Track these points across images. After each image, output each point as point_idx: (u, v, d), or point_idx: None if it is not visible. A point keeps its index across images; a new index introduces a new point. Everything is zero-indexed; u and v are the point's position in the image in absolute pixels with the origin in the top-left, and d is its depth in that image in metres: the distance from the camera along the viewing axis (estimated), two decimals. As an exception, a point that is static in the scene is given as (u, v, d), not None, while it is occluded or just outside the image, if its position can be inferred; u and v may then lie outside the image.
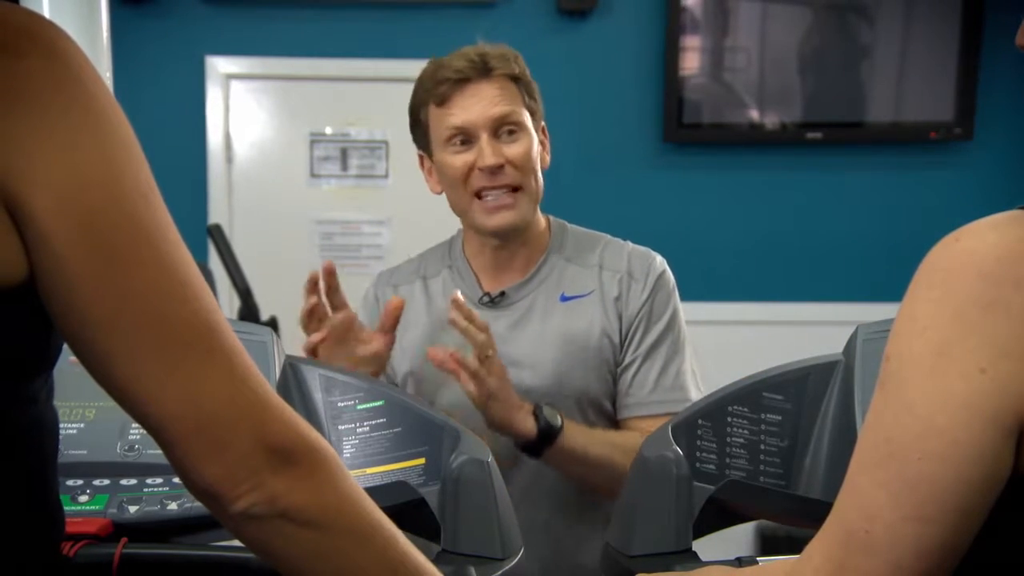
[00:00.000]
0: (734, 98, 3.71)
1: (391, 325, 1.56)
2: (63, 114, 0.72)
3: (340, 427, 1.27)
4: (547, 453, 1.53)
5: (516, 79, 1.61)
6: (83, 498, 1.15)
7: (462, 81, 1.59)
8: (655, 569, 1.11)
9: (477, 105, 1.58)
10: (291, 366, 1.28)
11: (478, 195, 1.61)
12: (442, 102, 1.61)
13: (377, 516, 0.85)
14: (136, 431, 1.21)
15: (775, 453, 1.23)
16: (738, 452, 1.22)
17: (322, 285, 1.52)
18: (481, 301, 1.67)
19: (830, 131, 3.69)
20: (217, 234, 3.15)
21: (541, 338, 1.64)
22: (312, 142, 3.78)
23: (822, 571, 0.82)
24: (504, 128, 1.59)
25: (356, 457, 1.25)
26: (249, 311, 3.06)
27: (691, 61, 3.68)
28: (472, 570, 1.11)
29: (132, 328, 0.74)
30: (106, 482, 1.17)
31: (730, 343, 3.26)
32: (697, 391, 1.63)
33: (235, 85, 3.74)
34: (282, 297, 3.44)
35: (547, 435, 1.51)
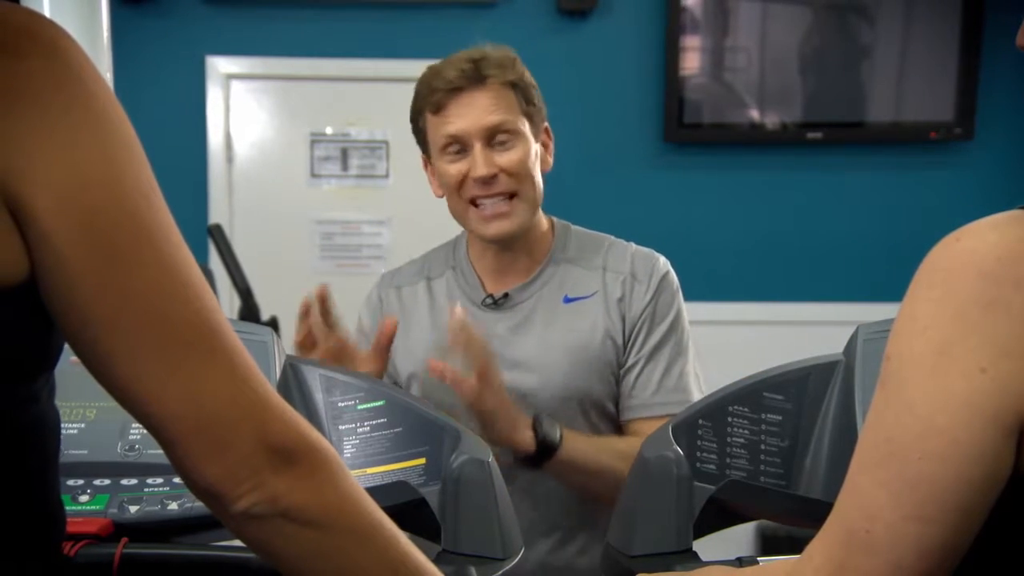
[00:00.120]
0: (734, 98, 3.71)
1: (385, 346, 1.56)
2: (64, 113, 0.72)
3: (341, 427, 1.27)
4: (546, 466, 1.53)
5: (513, 85, 1.60)
6: (84, 498, 1.15)
7: (455, 90, 1.58)
8: (656, 569, 1.11)
9: (470, 114, 1.58)
10: (291, 366, 1.28)
11: (474, 203, 1.61)
12: (437, 110, 1.60)
13: (378, 516, 0.85)
14: (137, 431, 1.21)
15: (776, 453, 1.23)
16: (739, 452, 1.22)
17: (315, 310, 1.51)
18: (484, 303, 1.67)
19: (830, 131, 3.69)
20: (217, 234, 3.15)
21: (544, 340, 1.63)
22: (312, 142, 3.78)
23: (823, 571, 0.82)
24: (498, 136, 1.59)
25: (357, 457, 1.25)
26: (249, 311, 3.06)
27: (691, 61, 3.68)
28: (473, 570, 1.11)
29: (133, 328, 0.74)
30: (107, 482, 1.17)
31: (730, 343, 3.26)
32: (700, 393, 1.63)
33: (235, 85, 3.74)
34: (282, 297, 3.44)
35: (546, 449, 1.51)
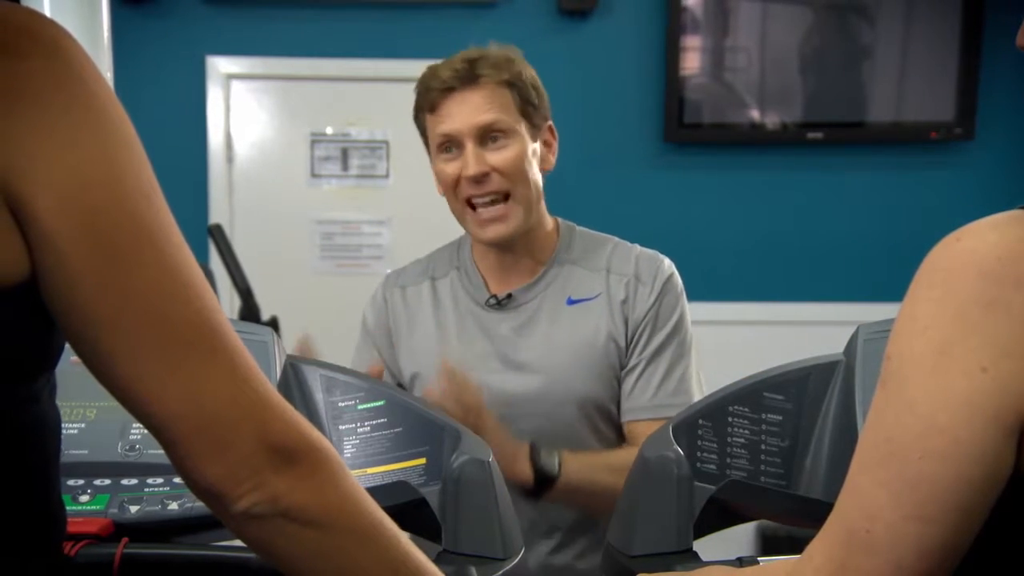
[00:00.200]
0: (735, 98, 3.71)
1: None
2: (65, 113, 0.72)
3: (341, 427, 1.27)
4: (546, 496, 1.53)
5: (509, 84, 1.60)
6: (84, 498, 1.15)
7: (448, 90, 1.59)
8: (656, 569, 1.11)
9: (461, 114, 1.58)
10: (292, 366, 1.28)
11: (470, 204, 1.61)
12: (432, 109, 1.61)
13: (378, 516, 0.85)
14: (137, 431, 1.21)
15: (776, 453, 1.23)
16: (739, 452, 1.22)
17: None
18: (488, 303, 1.67)
19: (831, 131, 3.69)
20: (218, 234, 3.15)
21: (547, 342, 1.63)
22: (313, 142, 3.78)
23: (823, 571, 0.82)
24: (491, 135, 1.59)
25: (357, 457, 1.25)
26: (250, 311, 3.06)
27: (692, 61, 3.68)
28: (473, 570, 1.11)
29: (134, 327, 0.74)
30: (107, 482, 1.17)
31: (731, 343, 3.26)
32: (701, 396, 1.62)
33: (236, 85, 3.74)
34: (283, 297, 3.46)
35: (544, 480, 1.51)
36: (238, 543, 0.89)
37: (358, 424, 1.27)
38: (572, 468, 1.53)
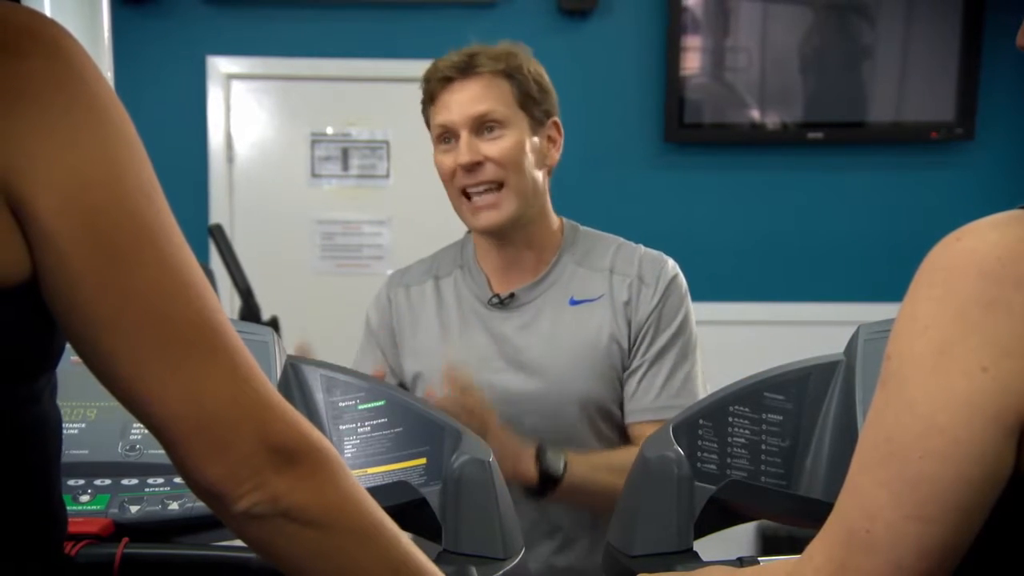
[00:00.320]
0: (735, 98, 3.71)
1: None
2: (65, 113, 0.72)
3: (341, 427, 1.27)
4: (550, 496, 1.53)
5: (508, 75, 1.61)
6: (84, 498, 1.15)
7: (445, 80, 1.60)
8: (656, 569, 1.11)
9: (458, 104, 1.59)
10: (292, 366, 1.28)
11: (465, 194, 1.61)
12: (432, 100, 1.63)
13: (379, 516, 0.86)
14: (137, 431, 1.21)
15: (776, 453, 1.22)
16: (739, 452, 1.22)
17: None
18: (490, 302, 1.67)
19: (831, 131, 3.69)
20: (218, 234, 3.15)
21: (549, 342, 1.63)
22: (313, 142, 3.78)
23: (823, 571, 0.82)
24: (486, 125, 1.60)
25: (357, 457, 1.25)
26: (250, 311, 3.06)
27: (692, 61, 3.68)
28: (473, 570, 1.11)
29: (135, 327, 0.74)
30: (107, 482, 1.17)
31: (731, 343, 3.26)
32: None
33: (236, 85, 3.74)
34: (283, 297, 3.46)
35: (549, 481, 1.51)
36: (239, 543, 0.89)
37: (358, 424, 1.27)
38: (576, 468, 1.53)
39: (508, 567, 1.16)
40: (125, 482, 1.17)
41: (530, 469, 1.50)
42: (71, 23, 2.23)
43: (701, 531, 1.17)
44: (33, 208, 0.71)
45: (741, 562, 1.10)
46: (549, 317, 1.65)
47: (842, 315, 3.21)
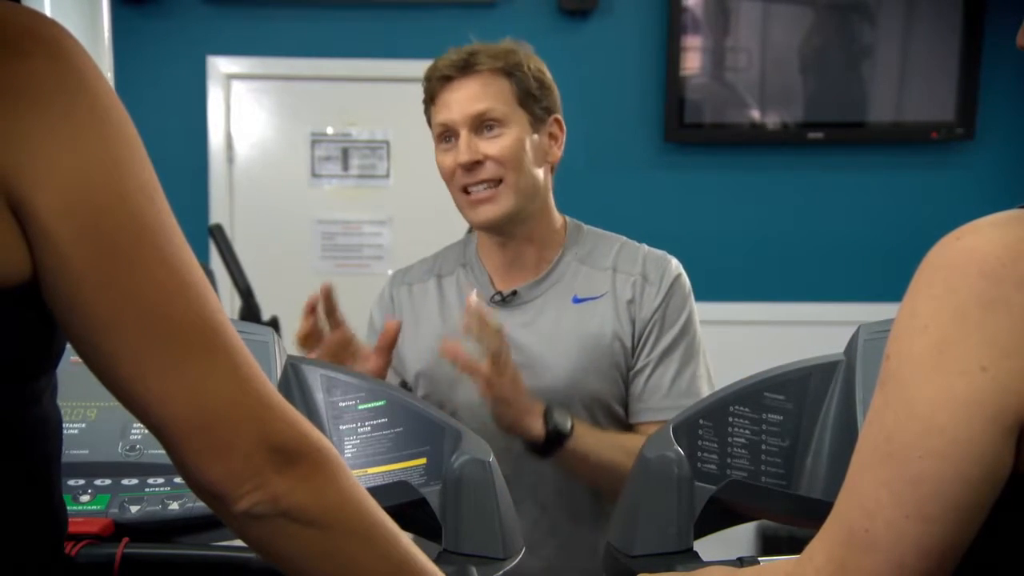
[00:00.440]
0: (735, 98, 3.71)
1: (388, 346, 1.56)
2: (67, 113, 0.72)
3: (341, 427, 1.27)
4: (554, 456, 1.53)
5: (507, 73, 1.61)
6: (84, 498, 1.15)
7: (445, 78, 1.61)
8: (657, 569, 1.11)
9: (457, 103, 1.60)
10: (292, 366, 1.28)
11: (465, 191, 1.62)
12: (432, 99, 1.64)
13: (379, 516, 0.86)
14: (138, 431, 1.21)
15: (776, 453, 1.22)
16: (739, 452, 1.22)
17: (320, 307, 1.51)
18: (493, 300, 1.67)
19: (831, 131, 3.69)
20: (218, 234, 3.15)
21: (552, 339, 1.63)
22: (313, 142, 3.78)
23: (824, 570, 0.82)
24: (485, 124, 1.60)
25: (357, 457, 1.25)
26: (250, 311, 3.07)
27: (692, 61, 3.68)
28: (474, 570, 1.11)
29: (136, 328, 0.74)
30: (108, 482, 1.17)
31: (731, 343, 3.25)
32: None
33: (236, 85, 3.74)
34: (283, 297, 3.44)
35: (555, 439, 1.51)
36: (239, 543, 0.89)
37: (359, 424, 1.27)
38: (584, 435, 1.53)
39: (508, 567, 1.16)
40: (125, 482, 1.17)
41: (537, 425, 1.50)
42: (71, 23, 2.24)
43: (701, 531, 1.17)
44: (34, 208, 0.71)
45: (741, 562, 1.10)
46: (551, 315, 1.65)
47: (842, 315, 3.21)
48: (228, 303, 3.43)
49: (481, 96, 1.59)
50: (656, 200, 3.72)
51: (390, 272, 1.83)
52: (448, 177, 1.63)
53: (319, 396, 1.28)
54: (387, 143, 3.78)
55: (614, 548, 1.20)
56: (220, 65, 3.71)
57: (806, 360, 1.26)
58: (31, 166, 0.71)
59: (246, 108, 3.76)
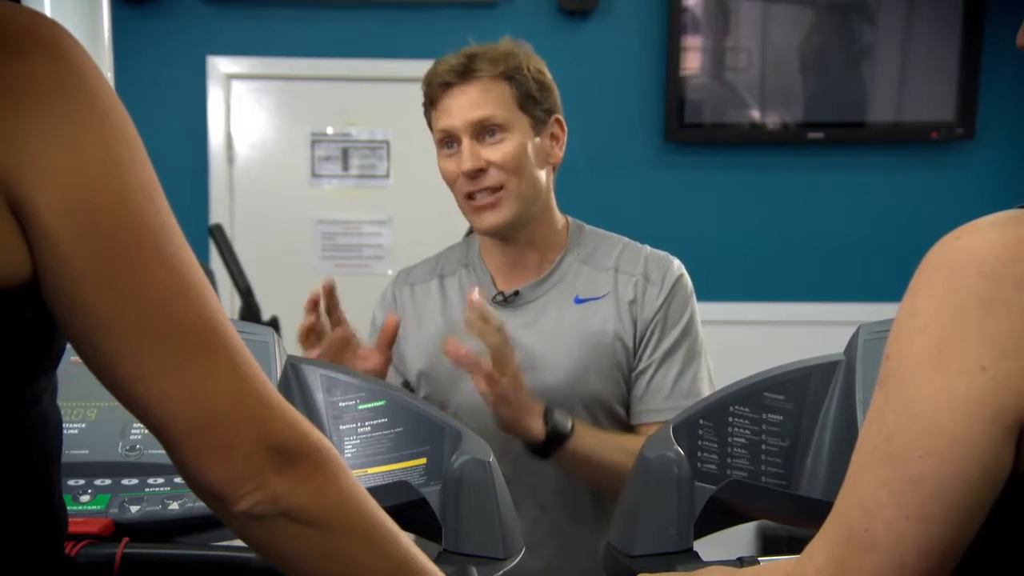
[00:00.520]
0: (735, 98, 3.71)
1: (388, 343, 1.56)
2: (67, 114, 0.72)
3: (341, 427, 1.27)
4: (555, 456, 1.53)
5: (508, 78, 1.60)
6: (84, 498, 1.15)
7: (445, 85, 1.60)
8: (657, 569, 1.11)
9: (458, 109, 1.59)
10: (292, 366, 1.28)
11: (469, 197, 1.62)
12: (433, 105, 1.63)
13: (379, 516, 0.86)
14: (137, 431, 1.21)
15: (776, 453, 1.23)
16: (739, 452, 1.22)
17: (322, 304, 1.52)
18: (495, 300, 1.67)
19: (831, 131, 3.69)
20: (218, 234, 3.15)
21: (553, 339, 1.63)
22: (313, 142, 3.78)
23: (824, 570, 0.82)
24: (487, 130, 1.60)
25: (357, 457, 1.25)
26: (250, 311, 3.07)
27: (692, 61, 3.68)
28: (474, 570, 1.11)
29: (136, 328, 0.74)
30: (107, 482, 1.17)
31: (731, 343, 3.25)
32: None
33: (236, 85, 3.74)
34: (283, 297, 3.44)
35: (555, 439, 1.51)
36: (239, 543, 0.89)
37: (359, 424, 1.27)
38: (584, 435, 1.53)
39: (508, 567, 1.16)
40: (125, 482, 1.18)
41: (537, 425, 1.50)
42: (71, 23, 2.24)
43: (701, 531, 1.17)
44: (34, 208, 0.71)
45: (741, 562, 1.10)
46: (553, 315, 1.65)
47: (842, 315, 3.21)
48: (228, 303, 3.43)
49: (482, 102, 1.59)
50: (656, 200, 3.72)
51: (392, 272, 1.83)
52: (451, 182, 1.63)
53: (319, 396, 1.28)
54: (387, 143, 3.78)
55: (614, 548, 1.20)
56: (220, 65, 3.71)
57: (806, 360, 1.26)
58: (31, 166, 0.71)
59: (246, 108, 3.76)
